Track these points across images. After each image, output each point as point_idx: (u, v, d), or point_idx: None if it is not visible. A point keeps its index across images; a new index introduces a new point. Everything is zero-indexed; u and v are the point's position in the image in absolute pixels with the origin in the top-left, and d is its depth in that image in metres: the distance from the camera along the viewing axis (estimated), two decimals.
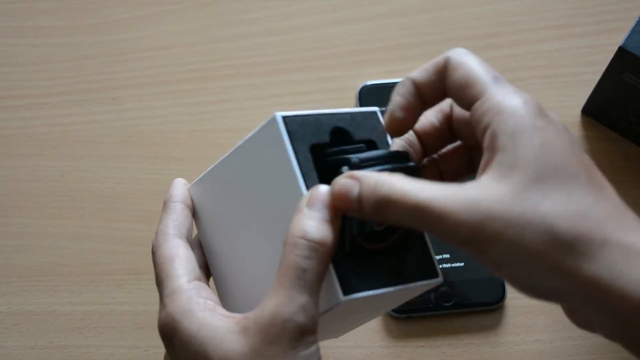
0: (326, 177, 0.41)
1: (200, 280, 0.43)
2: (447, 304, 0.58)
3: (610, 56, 0.57)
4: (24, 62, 0.66)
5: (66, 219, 0.62)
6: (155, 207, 0.62)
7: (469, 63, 0.40)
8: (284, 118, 0.42)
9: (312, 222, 0.38)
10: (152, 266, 0.60)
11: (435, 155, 0.44)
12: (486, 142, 0.37)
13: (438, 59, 0.40)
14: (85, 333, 0.59)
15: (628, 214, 0.37)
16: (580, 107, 0.65)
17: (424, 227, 0.36)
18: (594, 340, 0.58)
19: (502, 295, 0.58)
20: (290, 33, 0.67)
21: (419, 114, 0.42)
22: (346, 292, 0.40)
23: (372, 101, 0.64)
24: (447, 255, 0.60)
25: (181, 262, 0.43)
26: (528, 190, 0.35)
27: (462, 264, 0.59)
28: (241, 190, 0.46)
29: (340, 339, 0.58)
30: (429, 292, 0.58)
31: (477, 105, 0.38)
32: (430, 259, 0.44)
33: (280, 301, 0.38)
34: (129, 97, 0.65)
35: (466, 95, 0.39)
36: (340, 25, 0.67)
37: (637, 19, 0.56)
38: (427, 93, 0.41)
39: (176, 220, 0.45)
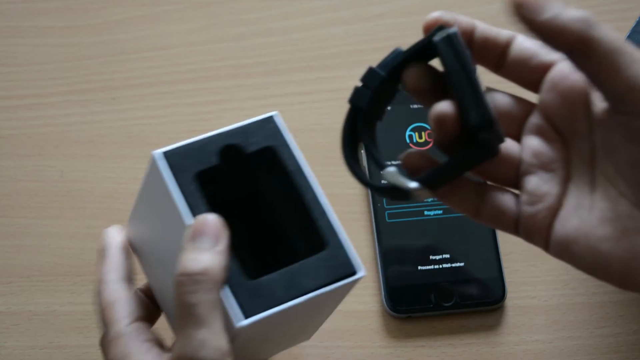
0: (219, 200, 0.42)
1: (142, 320, 0.44)
2: (447, 304, 0.58)
3: None
4: (24, 62, 0.66)
5: (66, 219, 0.62)
6: None
7: (529, 40, 0.39)
8: (165, 153, 0.43)
9: (191, 255, 0.39)
10: None
11: None
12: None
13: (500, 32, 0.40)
14: (85, 333, 0.59)
15: None
16: None
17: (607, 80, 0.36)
18: (594, 340, 0.58)
19: (502, 295, 0.58)
20: (290, 33, 0.67)
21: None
22: (247, 316, 0.40)
23: None
24: (447, 256, 0.60)
25: (121, 306, 0.44)
26: None
27: (462, 264, 0.59)
28: (153, 227, 0.47)
29: (341, 339, 0.58)
30: (428, 292, 0.58)
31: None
32: (345, 255, 0.44)
33: (181, 342, 0.39)
34: (129, 97, 0.65)
35: (530, 68, 0.39)
36: (340, 25, 0.67)
37: (637, 19, 0.56)
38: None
39: (112, 264, 0.47)
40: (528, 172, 0.40)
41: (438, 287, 0.59)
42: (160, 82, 0.66)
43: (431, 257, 0.60)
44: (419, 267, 0.59)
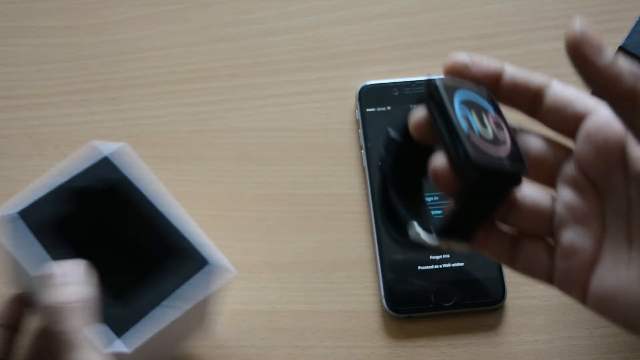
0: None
1: None
2: (447, 304, 0.58)
3: None
4: (24, 62, 0.66)
5: None
6: None
7: (566, 87, 0.39)
8: (19, 213, 0.48)
9: (53, 289, 0.42)
10: None
11: None
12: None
13: (535, 77, 0.39)
14: None
15: None
16: None
17: None
18: (594, 341, 0.58)
19: (502, 295, 0.58)
20: (290, 33, 0.67)
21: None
22: (125, 342, 0.44)
23: (372, 101, 0.64)
24: (447, 256, 0.60)
25: None
26: None
27: (462, 264, 0.59)
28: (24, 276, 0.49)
29: (341, 339, 0.58)
30: (428, 292, 0.58)
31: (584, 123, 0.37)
32: (201, 251, 0.48)
33: None
34: (129, 97, 0.65)
35: (568, 117, 0.38)
36: (340, 25, 0.67)
37: (637, 19, 0.56)
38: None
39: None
40: (562, 225, 0.39)
41: (438, 287, 0.59)
42: (160, 82, 0.66)
43: (431, 257, 0.60)
44: (419, 267, 0.59)
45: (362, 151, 0.63)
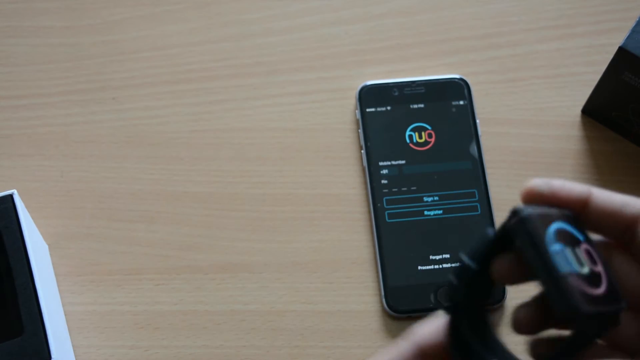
0: None
1: None
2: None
3: (610, 56, 0.57)
4: (24, 62, 0.66)
5: (66, 219, 0.62)
6: (155, 207, 0.62)
7: None
8: None
9: None
10: (152, 266, 0.61)
11: None
12: None
13: (631, 209, 0.36)
14: (85, 333, 0.59)
15: None
16: (580, 107, 0.65)
17: None
18: None
19: (502, 295, 0.58)
20: (290, 33, 0.67)
21: None
22: None
23: (372, 101, 0.64)
24: (447, 255, 0.60)
25: None
26: None
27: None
28: None
29: (341, 339, 0.58)
30: (428, 292, 0.58)
31: None
32: (40, 342, 0.48)
33: None
34: (129, 97, 0.65)
35: None
36: (340, 25, 0.67)
37: (637, 19, 0.56)
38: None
39: None
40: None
41: (438, 287, 0.59)
42: (160, 82, 0.66)
43: (431, 257, 0.60)
44: (419, 267, 0.59)
45: (362, 151, 0.63)
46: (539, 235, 0.34)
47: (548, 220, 0.35)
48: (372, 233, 0.61)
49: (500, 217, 0.61)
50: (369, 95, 0.64)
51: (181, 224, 0.62)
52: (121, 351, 0.58)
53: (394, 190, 0.61)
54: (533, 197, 0.36)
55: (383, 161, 0.62)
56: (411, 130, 0.63)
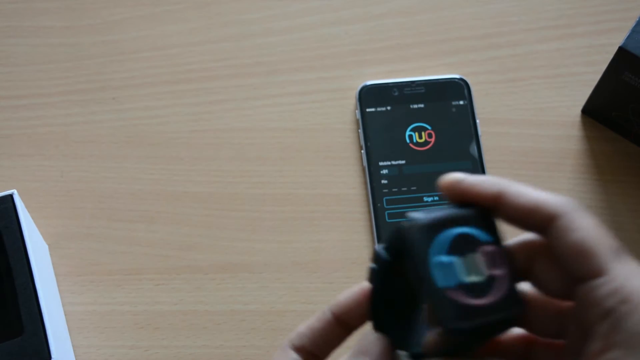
0: None
1: None
2: None
3: (610, 56, 0.57)
4: (24, 62, 0.66)
5: (66, 219, 0.62)
6: (155, 207, 0.62)
7: (587, 227, 0.34)
8: None
9: None
10: (152, 266, 0.61)
11: None
12: (603, 330, 0.32)
13: (545, 206, 0.35)
14: (85, 333, 0.59)
15: None
16: (580, 107, 0.65)
17: None
18: None
19: None
20: (290, 33, 0.67)
21: None
22: None
23: (372, 101, 0.64)
24: None
25: None
26: None
27: None
28: None
29: None
30: None
31: (595, 284, 0.33)
32: (40, 342, 0.48)
33: None
34: (129, 97, 0.65)
35: (580, 267, 0.34)
36: (340, 25, 0.67)
37: (637, 19, 0.56)
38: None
39: None
40: None
41: None
42: (160, 82, 0.66)
43: None
44: None
45: (362, 151, 0.63)
46: (421, 246, 0.34)
47: (443, 225, 0.35)
48: (372, 233, 0.61)
49: None
50: (369, 95, 0.64)
51: (181, 224, 0.62)
52: (121, 351, 0.58)
53: (394, 190, 0.61)
54: (451, 193, 0.36)
55: (383, 161, 0.62)
56: (411, 130, 0.63)
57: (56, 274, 0.60)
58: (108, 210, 0.62)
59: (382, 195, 0.61)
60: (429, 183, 0.62)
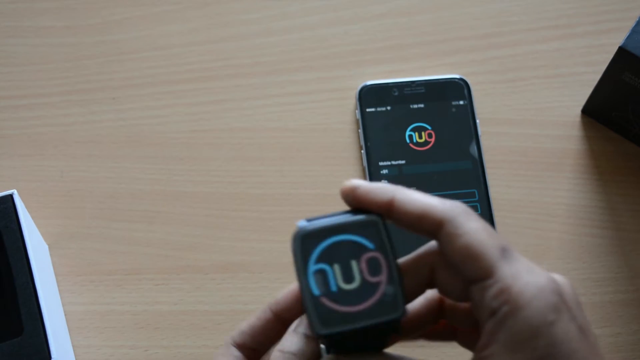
0: None
1: None
2: None
3: (610, 56, 0.57)
4: (24, 62, 0.66)
5: (66, 219, 0.62)
6: (155, 207, 0.62)
7: (471, 231, 0.35)
8: None
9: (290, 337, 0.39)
10: (152, 266, 0.61)
11: None
12: (489, 328, 0.34)
13: (432, 212, 0.36)
14: (85, 333, 0.59)
15: None
16: (580, 107, 0.65)
17: None
18: None
19: None
20: (290, 33, 0.67)
21: None
22: None
23: (372, 101, 0.64)
24: None
25: None
26: None
27: None
28: None
29: None
30: None
31: (482, 285, 0.35)
32: (40, 342, 0.48)
33: None
34: (129, 97, 0.65)
35: (468, 271, 0.35)
36: (340, 25, 0.67)
37: (637, 19, 0.56)
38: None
39: None
40: None
41: None
42: (160, 82, 0.66)
43: None
44: None
45: (362, 151, 0.63)
46: (301, 255, 0.37)
47: (328, 233, 0.37)
48: None
49: (500, 217, 0.61)
50: (369, 95, 0.64)
51: (181, 224, 0.62)
52: (121, 351, 0.58)
53: None
54: (348, 200, 0.38)
55: (383, 161, 0.62)
56: (411, 130, 0.63)
57: (56, 274, 0.60)
58: (108, 210, 0.62)
59: None
60: (429, 183, 0.62)
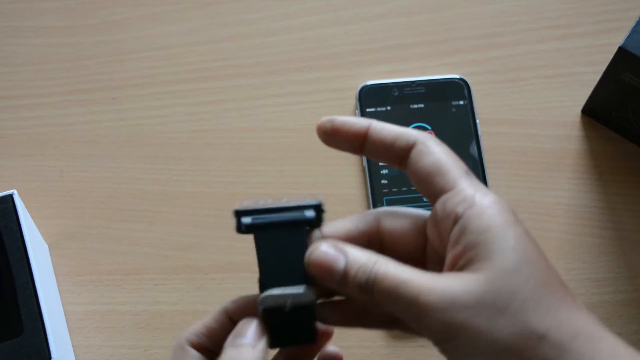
0: None
1: None
2: None
3: (610, 56, 0.57)
4: (24, 62, 0.66)
5: (66, 219, 0.62)
6: (155, 207, 0.62)
7: (439, 152, 0.39)
8: None
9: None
10: (152, 266, 0.61)
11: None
12: (454, 235, 0.37)
13: (405, 135, 0.39)
14: (85, 333, 0.59)
15: (591, 314, 0.37)
16: (580, 107, 0.65)
17: (402, 313, 0.36)
18: None
19: None
20: (290, 33, 0.67)
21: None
22: None
23: (372, 101, 0.64)
24: None
25: None
26: (504, 281, 0.35)
27: None
28: None
29: (341, 339, 0.58)
30: None
31: (446, 197, 0.38)
32: (41, 342, 0.48)
33: None
34: (129, 97, 0.65)
35: (434, 184, 0.38)
36: (340, 25, 0.67)
37: (637, 19, 0.56)
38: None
39: None
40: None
41: None
42: (160, 82, 0.66)
43: None
44: None
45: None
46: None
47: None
48: None
49: None
50: (369, 95, 0.64)
51: (181, 224, 0.62)
52: (121, 351, 0.58)
53: (394, 190, 0.61)
54: (325, 135, 0.40)
55: None
56: None
57: (56, 274, 0.60)
58: (108, 210, 0.62)
59: (382, 195, 0.61)
60: None
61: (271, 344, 0.39)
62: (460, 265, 0.36)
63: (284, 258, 0.38)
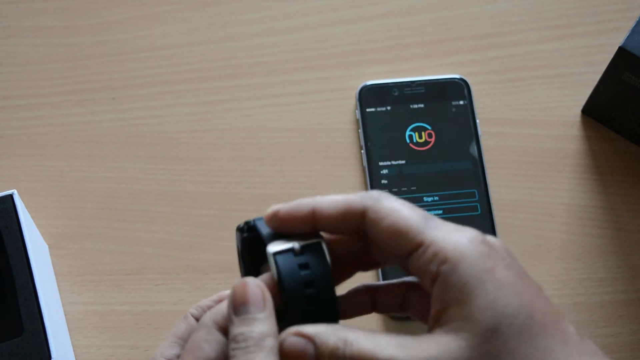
0: None
1: None
2: None
3: (610, 56, 0.57)
4: (24, 62, 0.66)
5: (66, 219, 0.62)
6: (155, 207, 0.62)
7: (390, 210, 0.36)
8: None
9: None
10: (152, 266, 0.61)
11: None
12: (436, 293, 0.35)
13: (352, 206, 0.37)
14: (85, 333, 0.59)
15: (585, 345, 0.36)
16: (580, 107, 0.65)
17: None
18: (594, 340, 0.58)
19: None
20: (290, 33, 0.67)
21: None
22: None
23: (372, 101, 0.64)
24: None
25: None
26: (486, 343, 0.34)
27: None
28: None
29: None
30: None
31: (416, 255, 0.36)
32: (40, 342, 0.48)
33: None
34: (129, 97, 0.65)
35: (400, 246, 0.36)
36: (340, 25, 0.67)
37: (637, 19, 0.56)
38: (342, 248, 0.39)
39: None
40: None
41: None
42: (160, 82, 0.66)
43: None
44: None
45: (362, 151, 0.63)
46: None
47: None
48: None
49: (500, 217, 0.61)
50: (369, 95, 0.64)
51: (181, 224, 0.62)
52: (121, 351, 0.58)
53: (394, 190, 0.61)
54: (275, 225, 0.39)
55: (383, 161, 0.62)
56: (411, 130, 0.63)
57: (56, 274, 0.60)
58: (108, 210, 0.62)
59: None
60: (429, 183, 0.62)
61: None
62: (444, 321, 0.35)
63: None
